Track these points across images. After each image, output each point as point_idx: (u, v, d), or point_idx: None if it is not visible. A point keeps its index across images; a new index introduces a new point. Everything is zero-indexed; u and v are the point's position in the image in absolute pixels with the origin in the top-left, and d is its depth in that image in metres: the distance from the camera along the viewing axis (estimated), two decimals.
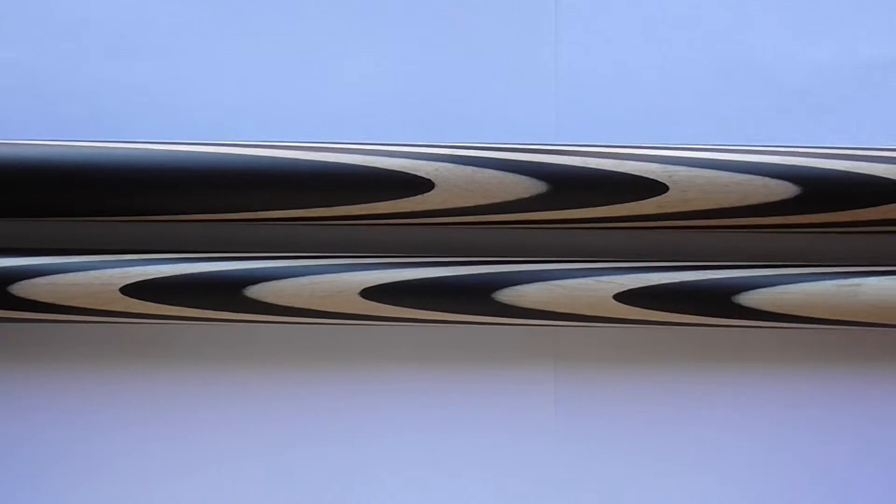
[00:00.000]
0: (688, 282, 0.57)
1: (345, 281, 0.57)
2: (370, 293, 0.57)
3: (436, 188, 0.57)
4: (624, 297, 0.57)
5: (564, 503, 0.60)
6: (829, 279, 0.57)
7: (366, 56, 0.62)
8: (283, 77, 0.61)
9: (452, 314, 0.57)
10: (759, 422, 0.60)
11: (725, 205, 0.57)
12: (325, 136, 0.60)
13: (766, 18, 0.62)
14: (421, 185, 0.57)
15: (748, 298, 0.57)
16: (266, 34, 0.62)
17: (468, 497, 0.60)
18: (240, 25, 0.62)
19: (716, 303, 0.57)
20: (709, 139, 0.61)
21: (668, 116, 0.62)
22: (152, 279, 0.56)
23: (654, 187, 0.56)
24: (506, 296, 0.57)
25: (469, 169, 0.57)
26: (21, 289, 0.56)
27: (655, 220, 0.57)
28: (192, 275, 0.57)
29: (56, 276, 0.56)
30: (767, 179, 0.56)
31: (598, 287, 0.57)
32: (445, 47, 0.62)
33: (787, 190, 0.56)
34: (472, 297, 0.57)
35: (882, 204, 0.56)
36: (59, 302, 0.56)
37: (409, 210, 0.57)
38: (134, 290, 0.56)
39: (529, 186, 0.57)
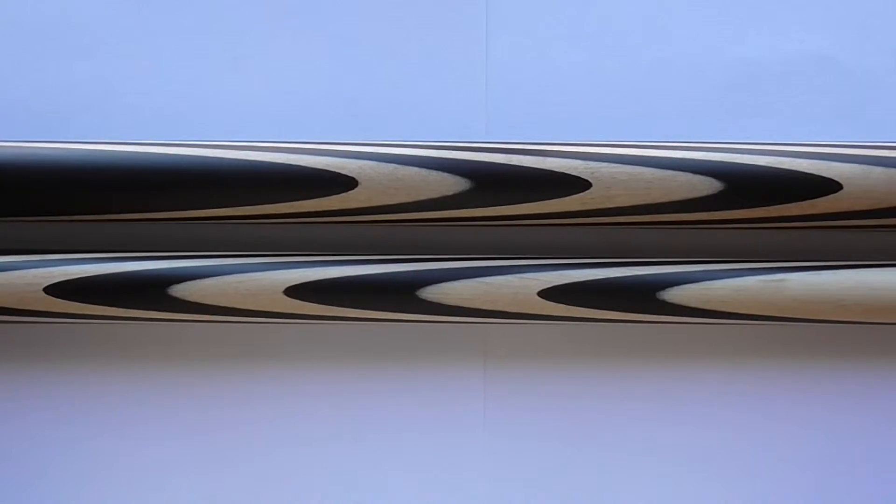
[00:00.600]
0: (612, 278, 0.57)
1: (269, 279, 0.57)
2: (294, 291, 0.57)
3: (360, 186, 0.57)
4: (548, 293, 0.57)
5: (493, 499, 0.60)
6: (754, 275, 0.57)
7: (296, 55, 0.62)
8: (209, 76, 0.62)
9: (377, 312, 0.57)
10: (684, 417, 0.60)
11: (649, 201, 0.56)
12: (256, 136, 0.60)
13: (691, 15, 0.62)
14: (345, 183, 0.57)
15: (672, 294, 0.57)
16: (192, 34, 0.62)
17: (397, 495, 0.60)
18: (163, 24, 0.62)
19: (640, 299, 0.57)
20: (639, 136, 0.60)
21: (598, 114, 0.62)
22: (76, 279, 0.56)
23: (577, 184, 0.56)
24: (430, 293, 0.57)
25: (392, 167, 0.57)
26: None
27: (579, 217, 0.57)
28: (116, 274, 0.57)
29: None
30: (690, 175, 0.56)
31: (523, 284, 0.57)
32: (377, 46, 0.62)
33: (710, 186, 0.56)
34: (397, 295, 0.57)
35: (805, 199, 0.56)
36: None
37: (333, 208, 0.57)
38: (57, 289, 0.56)
39: (453, 184, 0.57)
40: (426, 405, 0.61)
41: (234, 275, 0.57)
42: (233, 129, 0.61)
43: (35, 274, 0.56)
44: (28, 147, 0.57)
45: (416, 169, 0.57)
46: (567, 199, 0.57)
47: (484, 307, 0.57)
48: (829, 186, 0.56)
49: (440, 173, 0.57)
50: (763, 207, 0.56)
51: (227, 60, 0.62)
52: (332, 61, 0.62)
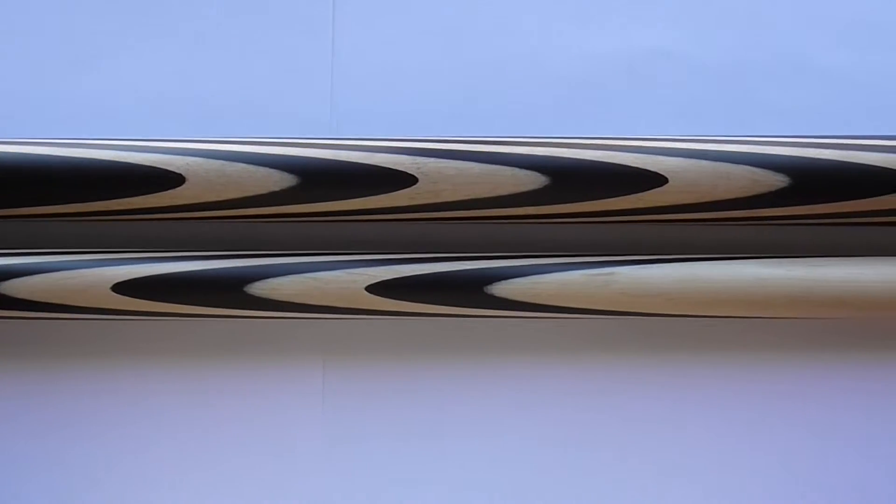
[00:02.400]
0: (440, 273, 0.57)
1: (96, 276, 0.57)
2: (122, 288, 0.56)
3: (187, 183, 0.56)
4: (376, 288, 0.57)
5: (333, 497, 0.60)
6: (582, 269, 0.57)
7: (142, 53, 0.62)
8: (53, 74, 0.61)
9: (206, 308, 0.57)
10: (516, 409, 0.60)
11: (476, 195, 0.56)
12: (103, 133, 0.60)
13: (534, 11, 0.62)
14: (173, 179, 0.56)
15: (500, 289, 0.57)
16: (35, 30, 0.62)
17: (236, 493, 0.60)
18: (6, 19, 0.62)
19: (468, 293, 0.57)
20: (485, 132, 0.60)
21: (446, 109, 0.62)
22: None
23: (405, 179, 0.56)
24: (259, 289, 0.57)
25: (219, 163, 0.56)
26: None
27: (407, 212, 0.57)
28: None
29: None
30: (516, 170, 0.56)
31: (351, 279, 0.57)
32: (225, 43, 0.62)
33: (535, 180, 0.56)
34: (225, 291, 0.57)
35: (632, 193, 0.56)
36: None
37: (162, 205, 0.57)
38: None
39: (279, 180, 0.56)
40: (265, 401, 0.60)
41: (62, 272, 0.57)
42: (76, 126, 0.61)
43: None
44: None
45: (243, 165, 0.56)
46: (395, 194, 0.56)
47: (312, 303, 0.57)
48: (654, 180, 0.56)
49: (268, 169, 0.56)
50: (589, 201, 0.56)
51: (68, 58, 0.62)
52: (180, 58, 0.62)
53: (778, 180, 0.55)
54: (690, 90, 0.61)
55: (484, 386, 0.60)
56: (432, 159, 0.56)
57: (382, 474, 0.60)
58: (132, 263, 0.57)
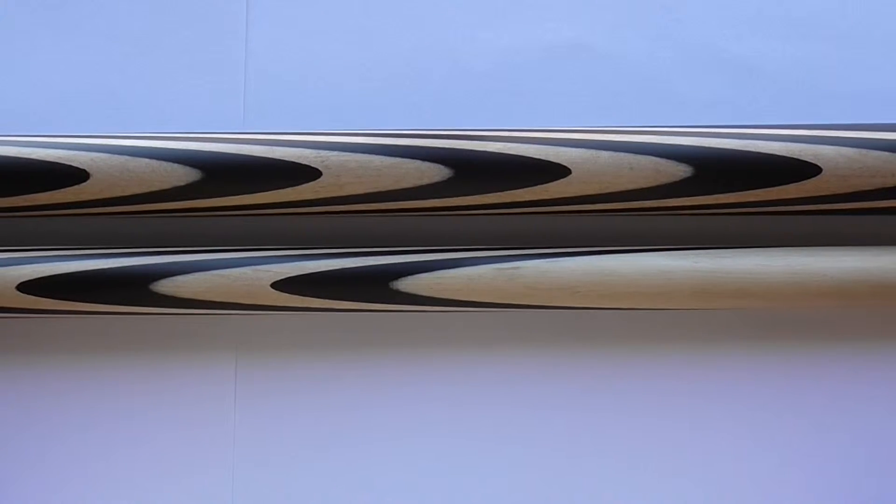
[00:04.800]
0: (346, 268, 0.57)
1: (1, 275, 0.56)
2: (27, 287, 0.56)
3: (91, 178, 0.56)
4: (282, 284, 0.56)
5: (246, 491, 0.59)
6: (489, 263, 0.56)
7: (52, 48, 0.62)
8: None
9: (110, 305, 0.56)
10: (426, 403, 0.60)
11: (379, 189, 0.56)
12: (6, 130, 0.59)
13: (449, 4, 0.62)
14: (76, 175, 0.56)
15: (406, 284, 0.56)
16: None
17: (147, 491, 0.59)
18: None
19: (374, 289, 0.56)
20: (403, 125, 0.60)
21: (361, 104, 0.61)
22: None
23: (308, 173, 0.56)
24: (164, 286, 0.56)
25: (123, 158, 0.56)
26: None
27: (312, 206, 0.57)
28: None
29: None
30: (419, 162, 0.56)
31: (256, 276, 0.56)
32: (138, 38, 0.62)
33: (439, 172, 0.56)
34: (130, 288, 0.56)
35: (536, 184, 0.56)
36: None
37: (66, 201, 0.56)
38: None
39: (183, 175, 0.56)
40: (177, 398, 0.60)
41: None
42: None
43: None
44: None
45: (146, 160, 0.56)
46: (299, 187, 0.56)
47: (218, 299, 0.56)
48: (558, 171, 0.56)
49: (171, 164, 0.56)
50: (493, 193, 0.56)
51: None
52: (91, 54, 0.62)
53: (681, 170, 0.55)
54: (604, 83, 0.61)
55: (393, 380, 0.60)
56: (335, 152, 0.56)
57: (294, 469, 0.59)
58: (37, 262, 0.56)
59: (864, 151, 0.55)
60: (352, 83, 0.62)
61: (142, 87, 0.62)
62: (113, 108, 0.62)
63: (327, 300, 0.57)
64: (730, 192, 0.56)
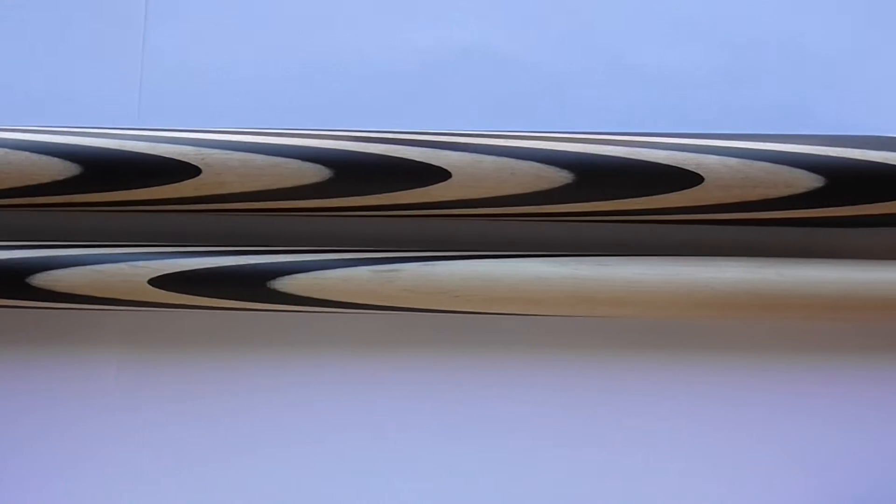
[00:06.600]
0: (223, 267, 0.56)
1: None
2: None
3: None
4: (159, 281, 0.56)
5: (125, 493, 0.59)
6: (367, 265, 0.56)
7: None
8: None
9: None
10: (305, 406, 0.59)
11: (259, 188, 0.56)
12: None
13: (357, 4, 0.62)
14: None
15: (284, 284, 0.56)
16: None
17: (26, 491, 0.59)
18: None
19: (251, 288, 0.56)
20: (299, 124, 0.59)
21: (260, 103, 0.61)
22: None
23: (188, 170, 0.56)
24: (40, 280, 0.56)
25: (3, 151, 0.56)
26: None
27: (192, 203, 0.56)
28: None
29: None
30: (300, 162, 0.55)
31: (134, 272, 0.56)
32: (33, 31, 0.62)
33: (319, 173, 0.55)
34: (6, 283, 0.56)
35: (416, 187, 0.55)
36: None
37: None
38: None
39: (63, 169, 0.56)
40: (59, 393, 0.59)
41: None
42: None
43: None
44: None
45: (26, 154, 0.56)
46: (179, 185, 0.56)
47: (95, 295, 0.56)
48: (439, 174, 0.55)
49: (50, 158, 0.56)
50: (373, 195, 0.56)
51: None
52: None
53: (562, 177, 0.55)
54: (504, 86, 0.61)
55: (272, 378, 0.59)
56: (216, 150, 0.56)
57: (174, 465, 0.59)
58: None
59: (747, 162, 0.55)
60: (250, 81, 0.61)
61: (38, 80, 0.61)
62: (7, 100, 0.61)
63: (205, 298, 0.56)
64: (612, 199, 0.55)
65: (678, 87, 0.61)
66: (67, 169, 0.56)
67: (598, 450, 0.59)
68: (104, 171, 0.56)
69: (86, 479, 0.59)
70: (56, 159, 0.56)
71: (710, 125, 0.59)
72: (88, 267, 0.56)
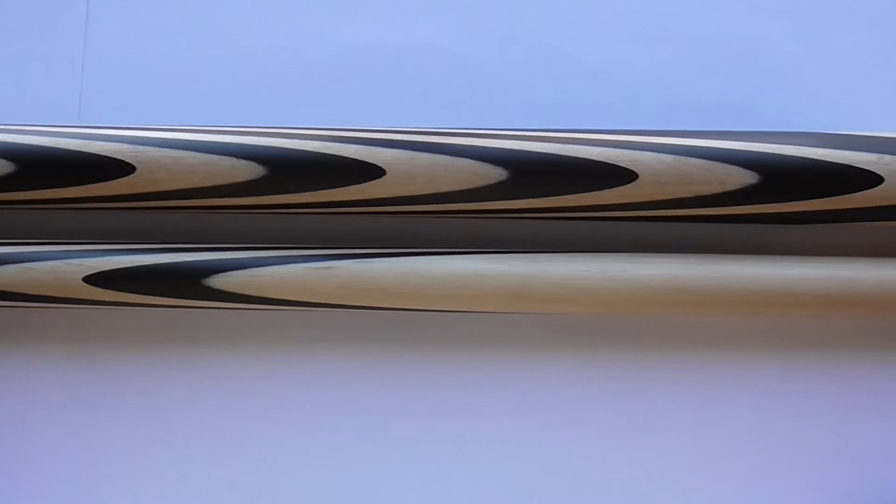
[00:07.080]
0: (158, 264, 0.56)
1: None
2: None
3: None
4: (94, 279, 0.56)
5: (65, 484, 0.59)
6: (302, 262, 0.56)
7: None
8: None
9: None
10: (238, 402, 0.59)
11: (193, 185, 0.55)
12: None
13: (301, 1, 0.62)
14: None
15: (218, 281, 0.56)
16: None
17: None
18: None
19: (186, 285, 0.56)
20: (241, 122, 0.59)
21: (196, 100, 0.61)
22: None
23: (122, 167, 0.55)
24: None
25: None
26: None
27: (126, 201, 0.56)
28: None
29: None
30: (234, 160, 0.55)
31: (68, 269, 0.56)
32: None
33: (253, 170, 0.55)
34: None
35: (351, 184, 0.55)
36: None
37: None
38: None
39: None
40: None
41: None
42: None
43: None
44: None
45: None
46: (113, 182, 0.56)
47: (29, 292, 0.56)
48: (373, 171, 0.55)
49: None
50: (308, 192, 0.55)
51: None
52: None
53: (496, 173, 0.55)
54: (450, 84, 0.61)
55: (211, 376, 0.59)
56: (150, 148, 0.55)
57: (114, 462, 0.59)
58: None
59: (681, 158, 0.55)
60: (195, 79, 0.61)
61: None
62: None
63: (139, 295, 0.56)
64: (547, 196, 0.55)
65: (616, 84, 0.61)
66: (2, 167, 0.55)
67: (551, 451, 0.59)
68: (39, 168, 0.55)
69: (25, 477, 0.59)
70: None
71: (648, 122, 0.59)
72: (22, 265, 0.56)
